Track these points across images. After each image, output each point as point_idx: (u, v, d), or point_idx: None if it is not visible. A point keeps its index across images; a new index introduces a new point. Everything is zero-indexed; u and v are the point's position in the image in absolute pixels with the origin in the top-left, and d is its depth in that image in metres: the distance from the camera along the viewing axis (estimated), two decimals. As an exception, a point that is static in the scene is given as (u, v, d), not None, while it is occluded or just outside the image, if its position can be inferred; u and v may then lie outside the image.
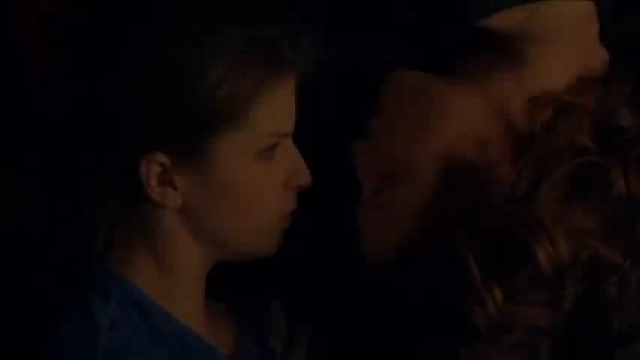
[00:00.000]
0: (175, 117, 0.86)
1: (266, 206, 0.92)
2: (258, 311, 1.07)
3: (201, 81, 0.85)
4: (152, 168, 0.87)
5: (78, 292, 0.92)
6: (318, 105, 1.00)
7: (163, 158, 0.87)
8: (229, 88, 0.86)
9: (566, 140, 0.86)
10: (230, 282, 1.01)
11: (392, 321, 0.90)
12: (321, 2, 1.06)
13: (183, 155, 0.88)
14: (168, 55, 0.86)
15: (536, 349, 0.85)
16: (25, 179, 1.16)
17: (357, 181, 0.98)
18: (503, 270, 0.83)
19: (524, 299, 0.83)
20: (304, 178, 0.94)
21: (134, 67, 0.86)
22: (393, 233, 0.93)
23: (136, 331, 0.89)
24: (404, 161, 0.93)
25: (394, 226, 0.93)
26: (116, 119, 0.87)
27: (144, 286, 0.91)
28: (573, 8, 0.91)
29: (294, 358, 1.05)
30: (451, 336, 0.85)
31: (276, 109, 0.90)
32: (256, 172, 0.90)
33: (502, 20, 0.88)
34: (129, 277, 0.91)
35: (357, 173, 0.98)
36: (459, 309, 0.83)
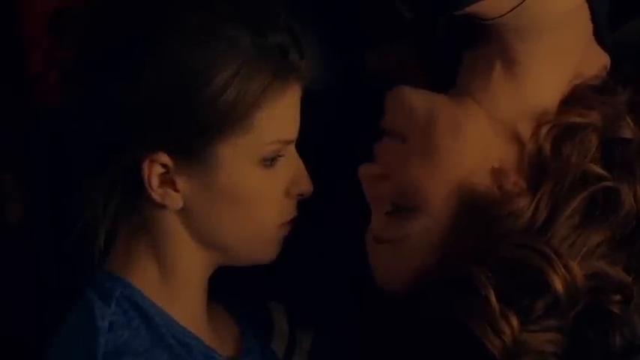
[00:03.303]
0: (179, 118, 0.86)
1: (266, 212, 0.92)
2: (260, 314, 1.06)
3: (208, 84, 0.85)
4: (154, 168, 0.87)
5: (79, 293, 0.92)
6: (324, 113, 1.00)
7: (166, 159, 0.87)
8: (235, 93, 0.86)
9: (579, 169, 0.87)
10: (231, 284, 1.01)
11: (403, 347, 0.90)
12: (327, 8, 1.06)
13: (185, 157, 0.87)
14: (174, 57, 0.86)
15: None
16: (28, 180, 1.16)
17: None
18: (521, 300, 0.84)
19: (537, 327, 0.84)
20: (305, 186, 0.94)
21: (140, 67, 0.86)
22: (407, 268, 0.91)
23: (135, 333, 0.88)
24: (418, 193, 0.91)
25: (409, 261, 0.91)
26: (120, 118, 0.87)
27: (144, 287, 0.91)
28: (564, 3, 0.89)
29: (296, 360, 1.05)
30: None
31: (280, 116, 0.89)
32: (258, 177, 0.90)
33: (490, 7, 0.87)
34: (129, 279, 0.91)
35: (367, 197, 0.96)
36: (474, 337, 0.83)
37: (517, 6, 0.86)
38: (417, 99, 0.94)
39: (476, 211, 0.88)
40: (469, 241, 0.87)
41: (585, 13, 0.91)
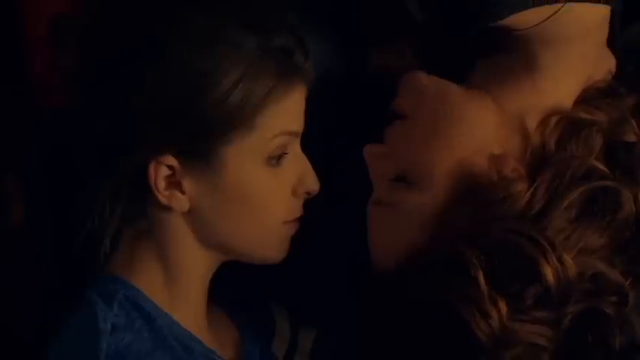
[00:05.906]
0: (185, 121, 0.86)
1: (273, 212, 0.92)
2: (261, 314, 1.06)
3: (214, 87, 0.86)
4: (160, 170, 0.87)
5: (81, 295, 0.91)
6: (329, 109, 1.00)
7: (172, 160, 0.87)
8: (241, 95, 0.86)
9: (582, 163, 0.87)
10: (232, 284, 1.01)
11: (396, 330, 0.90)
12: (332, 8, 1.06)
13: (191, 158, 0.87)
14: (180, 60, 0.86)
15: None
16: (29, 181, 1.16)
17: (366, 185, 0.98)
18: (511, 286, 0.84)
19: (527, 317, 0.84)
20: (312, 184, 0.94)
21: (146, 71, 0.86)
22: (401, 236, 0.93)
23: (138, 335, 0.88)
24: (418, 167, 0.92)
25: (403, 229, 0.93)
26: (126, 121, 0.87)
27: (147, 289, 0.91)
28: (593, 13, 0.90)
29: (297, 362, 1.05)
30: (454, 348, 0.85)
31: (284, 111, 0.90)
32: (264, 177, 0.90)
33: (522, 20, 0.88)
34: (133, 281, 0.91)
35: (370, 174, 0.98)
36: (463, 321, 0.83)
37: (551, 16, 0.87)
38: (429, 82, 0.96)
39: (472, 192, 0.89)
40: (463, 221, 0.88)
41: (606, 22, 0.92)
